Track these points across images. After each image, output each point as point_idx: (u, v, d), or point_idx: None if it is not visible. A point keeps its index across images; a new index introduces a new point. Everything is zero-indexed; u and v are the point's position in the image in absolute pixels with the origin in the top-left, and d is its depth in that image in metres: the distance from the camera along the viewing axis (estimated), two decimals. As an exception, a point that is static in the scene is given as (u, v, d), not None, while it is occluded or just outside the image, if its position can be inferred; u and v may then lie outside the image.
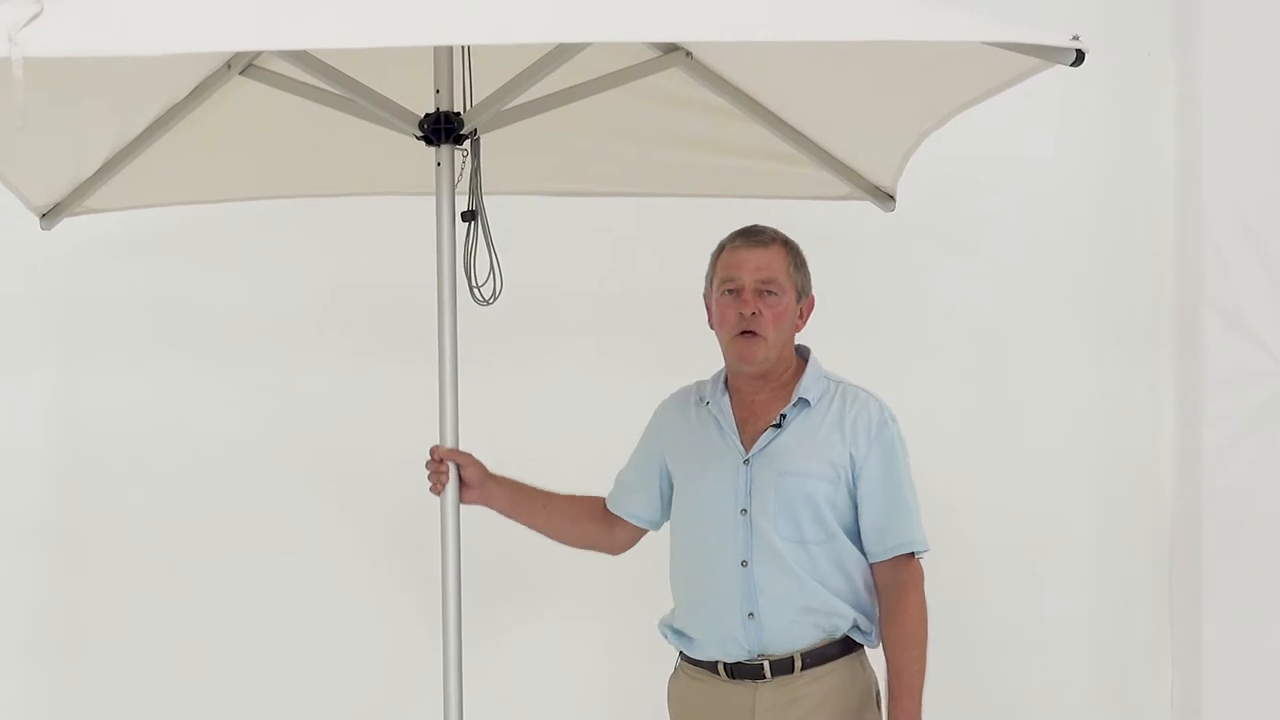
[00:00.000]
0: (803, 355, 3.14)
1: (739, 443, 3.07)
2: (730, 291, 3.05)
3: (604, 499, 3.31)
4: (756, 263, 3.04)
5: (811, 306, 3.13)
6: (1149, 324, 4.32)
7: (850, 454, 3.03)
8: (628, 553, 3.35)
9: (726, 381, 3.16)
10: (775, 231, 3.10)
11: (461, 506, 3.11)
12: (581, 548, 3.35)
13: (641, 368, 4.24)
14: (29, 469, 4.33)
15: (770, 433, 3.05)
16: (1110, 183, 4.32)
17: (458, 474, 3.10)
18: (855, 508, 3.05)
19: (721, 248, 3.12)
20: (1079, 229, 4.32)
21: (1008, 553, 4.16)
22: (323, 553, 4.35)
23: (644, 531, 3.29)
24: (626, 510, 3.27)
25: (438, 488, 3.10)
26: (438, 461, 3.10)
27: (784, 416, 3.05)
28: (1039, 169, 4.27)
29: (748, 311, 3.02)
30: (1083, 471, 4.34)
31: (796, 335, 3.13)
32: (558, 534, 3.33)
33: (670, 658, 3.23)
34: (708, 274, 3.14)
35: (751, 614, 3.02)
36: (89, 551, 4.33)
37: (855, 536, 3.06)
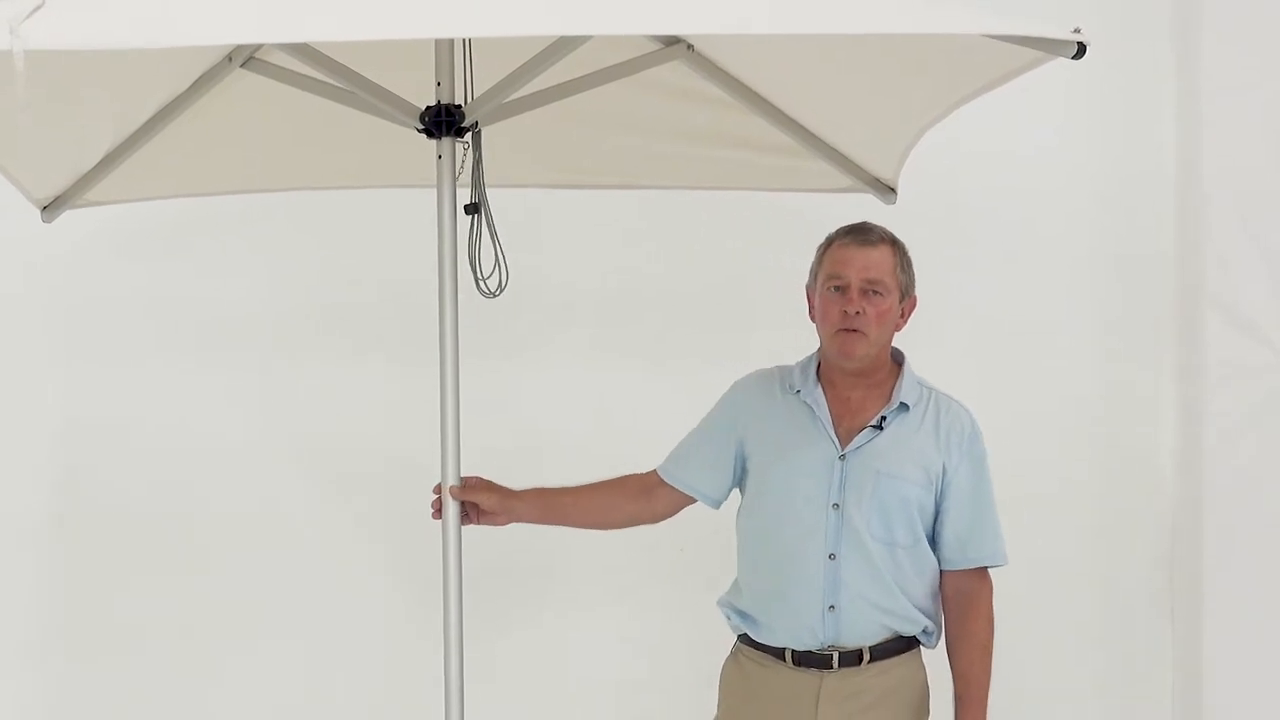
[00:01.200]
0: (897, 359, 3.16)
1: (834, 436, 3.08)
2: (836, 289, 3.06)
3: (634, 476, 3.28)
4: (864, 262, 3.05)
5: (913, 306, 3.14)
6: (1149, 319, 4.32)
7: (943, 463, 3.07)
8: (634, 543, 3.35)
9: (818, 373, 3.16)
10: (884, 230, 3.11)
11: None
12: (623, 528, 3.33)
13: (644, 360, 4.24)
14: (30, 468, 4.32)
15: (869, 432, 3.07)
16: (1111, 177, 4.32)
17: (459, 507, 3.09)
18: (937, 515, 3.09)
19: (829, 243, 3.12)
20: (1080, 223, 4.32)
21: (1007, 547, 4.15)
22: (324, 550, 4.34)
23: (689, 501, 3.27)
24: (689, 484, 3.23)
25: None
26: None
27: (884, 418, 3.08)
28: (1040, 163, 4.27)
29: (852, 310, 3.04)
30: (1083, 467, 4.33)
31: (896, 334, 3.14)
32: (595, 526, 3.33)
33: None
34: (813, 268, 3.14)
35: (832, 607, 3.04)
36: (89, 551, 4.32)
37: (933, 543, 3.10)
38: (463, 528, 3.08)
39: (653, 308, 4.32)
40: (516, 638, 4.26)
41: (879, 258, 3.06)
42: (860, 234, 3.09)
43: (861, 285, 3.04)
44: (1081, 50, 2.52)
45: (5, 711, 4.29)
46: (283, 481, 4.33)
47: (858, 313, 3.03)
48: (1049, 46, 2.57)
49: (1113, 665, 4.33)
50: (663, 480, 3.25)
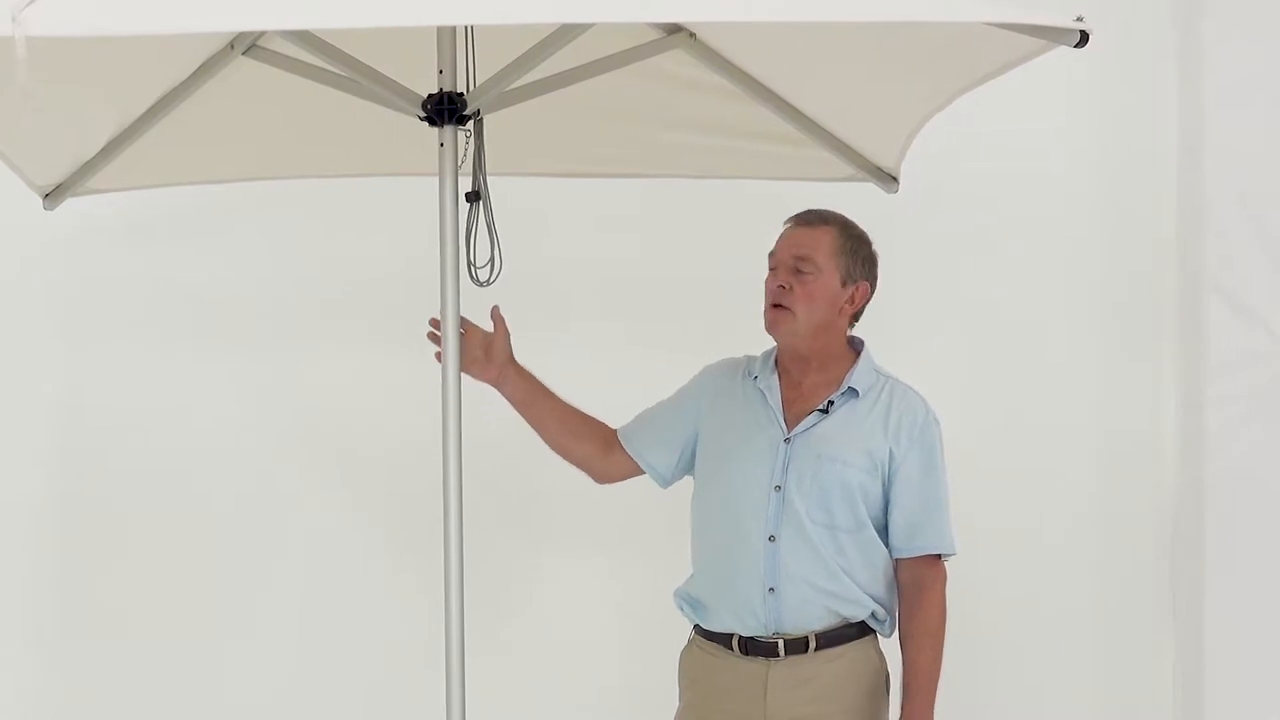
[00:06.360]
0: (855, 347, 3.18)
1: (781, 420, 3.11)
2: (771, 268, 3.13)
3: (610, 427, 3.31)
4: (797, 240, 3.11)
5: (864, 294, 3.15)
6: (1150, 305, 4.32)
7: (891, 449, 3.07)
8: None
9: (777, 361, 3.19)
10: (833, 215, 3.15)
11: (464, 496, 3.05)
12: (571, 462, 3.33)
13: (643, 349, 4.24)
14: (30, 457, 4.33)
15: (815, 416, 3.09)
16: (1112, 163, 4.32)
17: (458, 346, 3.02)
18: (886, 503, 3.09)
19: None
20: (1080, 210, 4.32)
21: (1006, 537, 4.16)
22: (325, 537, 4.35)
23: (639, 472, 3.30)
24: (643, 455, 3.27)
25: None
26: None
27: (831, 403, 3.09)
28: (1041, 150, 4.26)
29: (774, 285, 3.09)
30: (1084, 455, 4.34)
31: (852, 323, 3.17)
32: (555, 442, 3.30)
33: (681, 629, 3.23)
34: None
35: (772, 589, 3.05)
36: (89, 539, 4.32)
37: (883, 530, 3.10)
38: (463, 520, 3.05)
39: (653, 298, 4.32)
40: (515, 617, 4.27)
41: (813, 237, 3.10)
42: (803, 216, 3.15)
43: (790, 262, 3.09)
44: (1084, 39, 2.52)
45: (9, 708, 4.29)
46: (283, 471, 4.34)
47: (781, 287, 3.07)
48: (1052, 35, 2.57)
49: (1113, 657, 4.33)
50: (618, 440, 3.29)
